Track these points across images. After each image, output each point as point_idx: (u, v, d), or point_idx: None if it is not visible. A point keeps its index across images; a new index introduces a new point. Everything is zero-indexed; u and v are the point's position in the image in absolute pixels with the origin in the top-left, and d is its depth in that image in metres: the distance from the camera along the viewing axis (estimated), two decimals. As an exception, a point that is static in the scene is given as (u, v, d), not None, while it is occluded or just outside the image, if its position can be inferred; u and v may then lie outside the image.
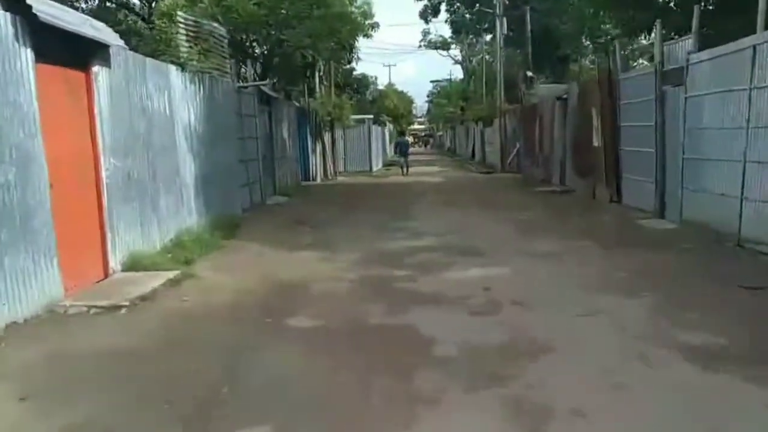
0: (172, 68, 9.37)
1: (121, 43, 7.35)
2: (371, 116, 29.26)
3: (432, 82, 70.06)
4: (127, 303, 6.04)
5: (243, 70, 16.17)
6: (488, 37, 40.39)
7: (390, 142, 47.17)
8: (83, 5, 20.37)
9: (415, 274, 7.22)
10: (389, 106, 47.58)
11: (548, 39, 27.34)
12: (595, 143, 13.63)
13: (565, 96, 17.26)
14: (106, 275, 7.11)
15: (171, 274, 7.12)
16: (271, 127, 15.83)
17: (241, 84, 13.45)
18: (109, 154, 7.20)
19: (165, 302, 6.24)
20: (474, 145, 37.11)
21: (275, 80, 17.40)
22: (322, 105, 20.73)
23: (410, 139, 36.03)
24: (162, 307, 6.09)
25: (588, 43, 27.54)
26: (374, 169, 27.10)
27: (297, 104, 20.19)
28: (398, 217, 12.29)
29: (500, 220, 11.47)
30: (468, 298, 6.02)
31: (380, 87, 53.33)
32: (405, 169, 25.53)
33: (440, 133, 78.60)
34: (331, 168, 22.38)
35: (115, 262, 7.23)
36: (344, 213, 12.93)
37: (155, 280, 6.87)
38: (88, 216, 6.92)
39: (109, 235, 7.17)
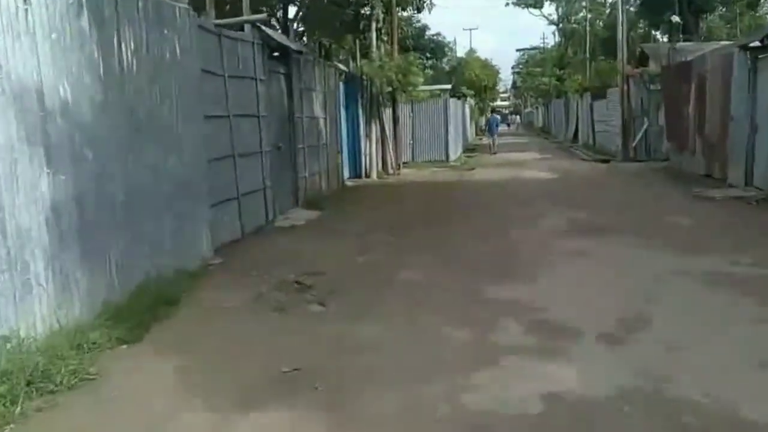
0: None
1: None
2: (448, 87, 23.16)
3: (518, 50, 62.07)
4: None
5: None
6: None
7: (471, 121, 40.69)
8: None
9: None
10: (470, 78, 40.91)
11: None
12: None
13: (758, 43, 10.74)
14: None
15: None
16: (292, 100, 10.23)
17: (220, 22, 7.81)
18: None
19: None
20: (577, 124, 30.21)
21: (303, 31, 11.78)
22: (380, 69, 14.85)
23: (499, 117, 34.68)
24: None
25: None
26: (452, 157, 21.06)
27: (343, 68, 14.50)
28: (504, 267, 6.42)
29: (728, 286, 5.39)
30: None
31: (459, 55, 47.07)
32: (493, 147, 25.91)
33: (528, 109, 70.69)
34: (393, 159, 16.55)
35: None
36: (396, 253, 7.18)
37: None
38: None
39: None
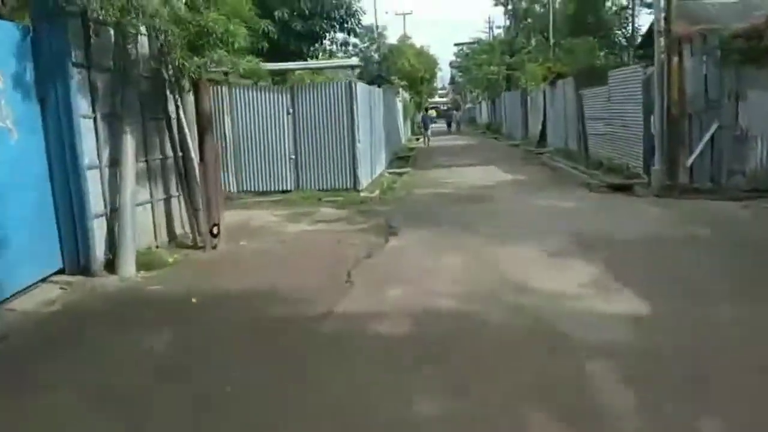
0: None
1: None
2: (353, 62, 13.89)
3: (456, 45, 55.77)
4: None
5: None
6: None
7: (406, 119, 31.93)
8: None
9: None
10: (404, 67, 32.45)
11: None
12: None
13: None
14: None
15: None
16: None
17: None
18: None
19: None
20: (545, 122, 21.79)
21: None
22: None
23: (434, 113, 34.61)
24: None
25: None
26: (364, 183, 11.92)
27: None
28: None
29: None
30: None
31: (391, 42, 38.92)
32: (426, 141, 28.43)
33: (468, 105, 62.51)
34: (202, 215, 7.09)
35: None
36: None
37: None
38: None
39: None
